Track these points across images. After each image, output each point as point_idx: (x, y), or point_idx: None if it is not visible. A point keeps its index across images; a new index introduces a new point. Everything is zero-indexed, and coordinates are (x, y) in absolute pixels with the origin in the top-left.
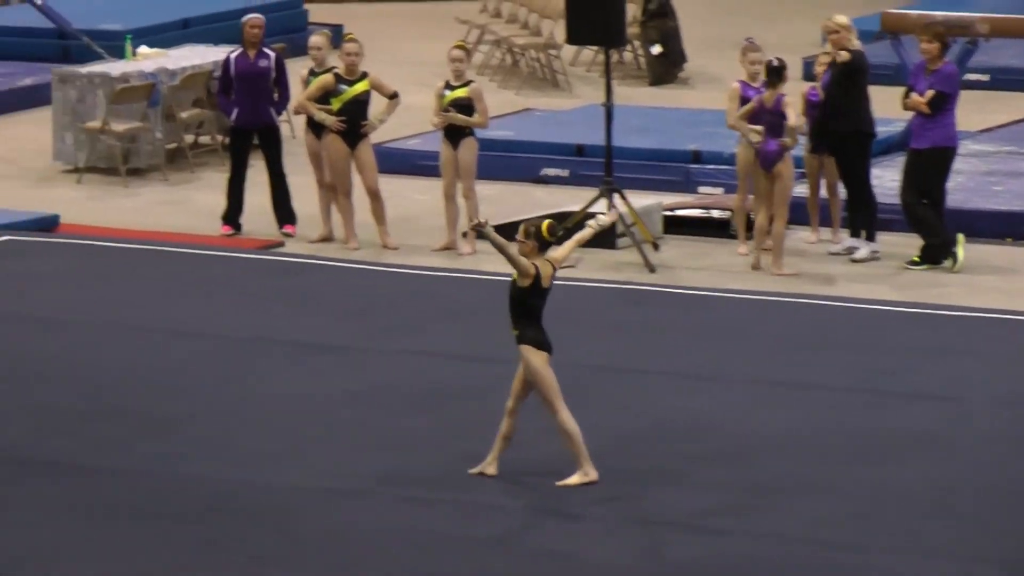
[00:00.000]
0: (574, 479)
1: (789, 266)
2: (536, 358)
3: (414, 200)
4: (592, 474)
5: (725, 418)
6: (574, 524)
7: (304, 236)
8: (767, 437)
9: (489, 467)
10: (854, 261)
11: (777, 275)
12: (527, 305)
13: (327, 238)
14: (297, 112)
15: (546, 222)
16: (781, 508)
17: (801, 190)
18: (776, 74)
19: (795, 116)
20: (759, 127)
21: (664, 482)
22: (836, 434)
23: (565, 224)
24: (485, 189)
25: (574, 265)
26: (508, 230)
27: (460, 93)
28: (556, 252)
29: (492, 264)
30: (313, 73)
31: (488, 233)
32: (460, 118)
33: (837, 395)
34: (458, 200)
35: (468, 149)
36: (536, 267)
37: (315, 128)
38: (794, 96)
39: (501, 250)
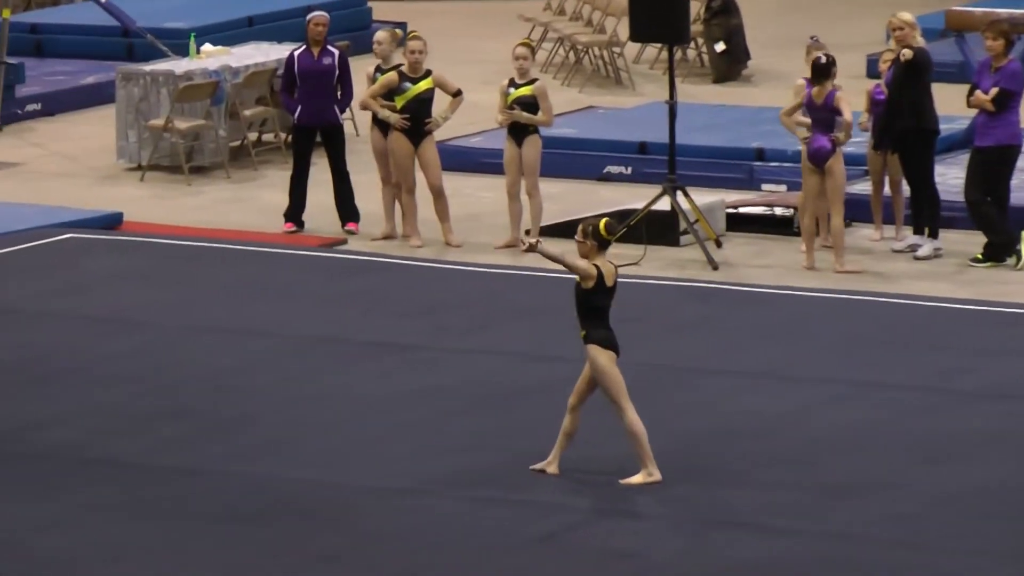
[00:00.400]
0: (638, 478)
1: (852, 263)
2: (602, 357)
3: (477, 198)
4: (656, 474)
5: (789, 417)
6: (637, 523)
7: (367, 234)
8: (831, 437)
9: (551, 465)
10: (917, 259)
11: (840, 272)
12: (593, 306)
13: (390, 236)
14: (364, 108)
15: (603, 220)
16: (846, 508)
17: (865, 187)
18: (822, 72)
19: (848, 112)
20: (807, 121)
21: (728, 482)
22: (900, 433)
23: (628, 222)
24: (548, 187)
25: (637, 263)
26: (569, 228)
27: (524, 91)
28: None
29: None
30: (380, 70)
31: (543, 252)
32: (525, 116)
33: (901, 394)
34: (522, 198)
35: (532, 147)
36: (597, 267)
37: (381, 125)
38: (859, 94)
39: (558, 262)
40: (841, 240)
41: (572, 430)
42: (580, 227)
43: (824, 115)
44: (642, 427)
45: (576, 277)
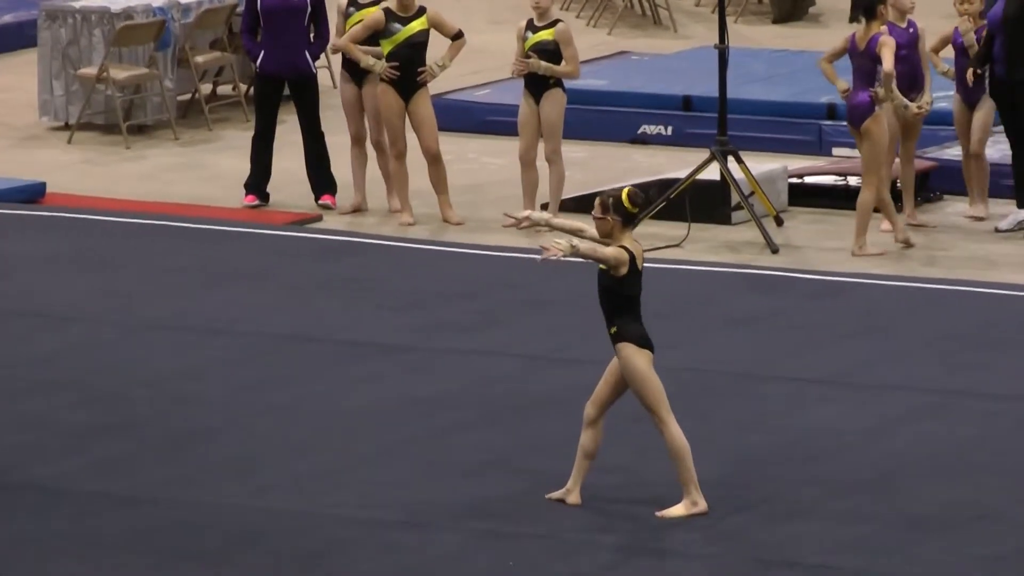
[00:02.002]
0: (679, 509)
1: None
2: (639, 359)
3: (483, 164)
4: (701, 503)
5: (866, 434)
6: (678, 564)
7: (346, 209)
8: (917, 458)
9: (571, 494)
10: None
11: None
12: (625, 296)
13: (359, 208)
14: (335, 51)
15: (626, 189)
16: (934, 544)
17: (956, 152)
18: (864, 8)
19: (889, 59)
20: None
21: (792, 513)
22: (1000, 454)
23: (668, 194)
24: (572, 151)
25: (679, 244)
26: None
27: (544, 35)
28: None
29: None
30: (355, 5)
31: (569, 251)
32: (544, 66)
33: (1002, 406)
34: (539, 165)
35: (553, 103)
36: (627, 249)
37: (355, 74)
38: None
39: (587, 258)
40: (864, 220)
41: (592, 449)
42: (598, 200)
43: (866, 63)
44: (686, 444)
45: (601, 266)
